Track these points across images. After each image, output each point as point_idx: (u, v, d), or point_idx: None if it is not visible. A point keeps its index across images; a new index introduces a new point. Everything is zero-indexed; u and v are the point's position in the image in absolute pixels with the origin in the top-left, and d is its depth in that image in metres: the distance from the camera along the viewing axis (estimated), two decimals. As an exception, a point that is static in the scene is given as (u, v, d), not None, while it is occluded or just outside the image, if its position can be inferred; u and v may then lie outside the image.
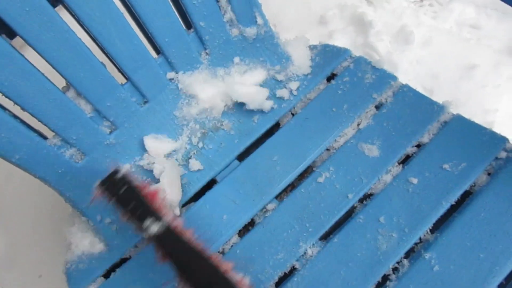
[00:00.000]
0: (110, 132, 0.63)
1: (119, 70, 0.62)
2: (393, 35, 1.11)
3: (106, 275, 0.61)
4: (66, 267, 0.63)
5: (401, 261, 0.52)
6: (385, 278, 0.51)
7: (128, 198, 0.51)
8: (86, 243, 0.64)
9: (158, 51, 0.63)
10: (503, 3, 0.62)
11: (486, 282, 0.47)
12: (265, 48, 0.69)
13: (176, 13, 0.61)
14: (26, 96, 0.54)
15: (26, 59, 0.53)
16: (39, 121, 0.56)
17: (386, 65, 0.69)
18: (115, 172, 0.53)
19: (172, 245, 0.48)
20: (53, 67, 0.55)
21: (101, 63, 0.59)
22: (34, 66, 0.54)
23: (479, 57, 1.08)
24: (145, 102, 0.64)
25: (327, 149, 0.63)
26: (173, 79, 0.65)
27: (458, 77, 1.07)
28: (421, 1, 1.21)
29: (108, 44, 0.58)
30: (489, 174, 0.54)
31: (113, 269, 0.61)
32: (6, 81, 0.51)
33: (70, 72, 0.56)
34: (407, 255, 0.52)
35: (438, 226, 0.53)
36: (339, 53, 0.71)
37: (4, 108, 0.54)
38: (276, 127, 0.67)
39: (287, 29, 1.20)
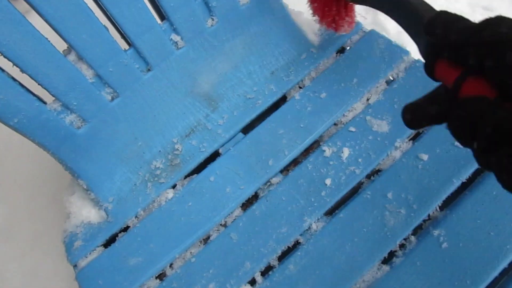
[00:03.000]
0: (112, 99, 0.61)
1: (122, 36, 0.59)
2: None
3: (106, 245, 0.60)
4: (64, 236, 0.62)
5: (408, 237, 0.51)
6: (392, 254, 0.50)
7: None
8: (85, 212, 0.63)
9: (163, 17, 0.61)
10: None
11: (496, 260, 0.46)
12: (275, 18, 0.67)
13: (183, -24, 0.59)
14: (26, 57, 0.51)
15: (26, 18, 0.50)
16: (38, 84, 0.54)
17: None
18: None
19: None
20: (53, 28, 0.53)
21: (104, 26, 0.56)
22: (34, 27, 0.51)
23: (491, 39, 1.06)
24: (148, 70, 0.62)
25: (335, 124, 0.61)
26: (178, 45, 0.62)
27: (468, 59, 1.04)
28: (433, -20, 1.17)
29: (112, 6, 0.55)
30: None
31: (113, 239, 0.60)
32: (6, 40, 0.49)
33: (71, 33, 0.54)
34: (415, 231, 0.51)
35: (448, 203, 0.51)
36: (350, 26, 0.68)
37: (3, 70, 0.52)
38: (282, 100, 0.65)
39: (294, 4, 1.16)
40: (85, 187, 0.62)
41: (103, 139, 0.62)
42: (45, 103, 0.56)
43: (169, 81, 0.64)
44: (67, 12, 0.52)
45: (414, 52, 0.65)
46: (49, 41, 0.53)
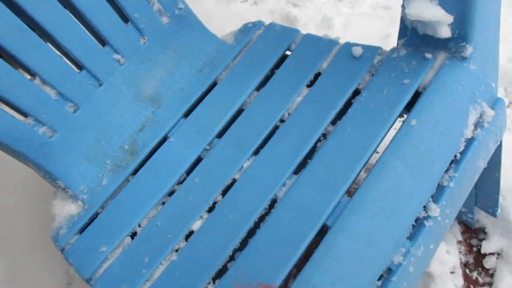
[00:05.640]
0: (74, 111, 0.76)
1: (75, 61, 0.77)
2: (317, 24, 1.30)
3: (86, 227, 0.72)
4: (52, 234, 0.74)
5: (315, 147, 0.64)
6: (300, 167, 0.63)
7: None
8: (67, 209, 0.75)
9: (104, 42, 0.79)
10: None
11: (379, 136, 0.59)
12: (193, 30, 0.86)
13: (113, 9, 0.78)
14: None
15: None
16: (12, 106, 0.70)
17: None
18: None
19: None
20: (20, 62, 0.70)
21: (59, 55, 0.74)
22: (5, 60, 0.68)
23: (392, 28, 1.27)
24: (100, 85, 0.79)
25: (256, 90, 0.77)
26: (120, 62, 0.80)
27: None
28: (339, -4, 1.41)
29: (63, 40, 0.73)
30: (372, 75, 0.68)
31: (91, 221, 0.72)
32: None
33: (35, 64, 0.71)
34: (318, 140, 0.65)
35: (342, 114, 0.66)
36: (254, 25, 0.87)
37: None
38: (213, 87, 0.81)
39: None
40: (63, 186, 0.75)
41: (72, 144, 0.76)
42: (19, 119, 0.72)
43: (118, 91, 0.80)
44: (29, 48, 0.70)
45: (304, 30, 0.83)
46: (18, 71, 0.70)
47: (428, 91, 0.60)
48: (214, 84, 0.82)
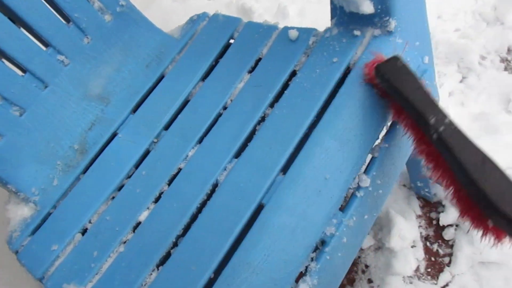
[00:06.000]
0: (21, 115, 0.76)
1: (17, 64, 0.77)
2: (273, 14, 1.31)
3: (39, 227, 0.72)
4: (6, 238, 0.74)
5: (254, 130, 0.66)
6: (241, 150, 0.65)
7: (412, 89, 0.48)
8: (20, 212, 0.75)
9: (46, 44, 0.79)
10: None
11: (311, 114, 0.61)
12: (139, 27, 0.86)
13: (53, 10, 0.78)
14: None
15: None
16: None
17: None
18: (396, 59, 0.52)
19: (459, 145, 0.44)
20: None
21: (0, 60, 0.74)
22: None
23: (347, 12, 1.28)
24: (46, 87, 0.79)
25: (202, 80, 0.78)
26: (64, 63, 0.80)
27: (333, 32, 1.25)
28: (294, -14, 1.42)
29: (3, 44, 0.73)
30: (308, 56, 0.70)
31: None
32: None
33: (-27, 69, 0.71)
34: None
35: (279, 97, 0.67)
36: (199, 17, 0.88)
37: None
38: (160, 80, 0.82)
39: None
40: (14, 190, 0.75)
41: (20, 148, 0.76)
42: (-35, 128, 0.72)
43: (64, 92, 0.80)
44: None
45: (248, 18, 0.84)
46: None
47: (356, 67, 0.62)
48: (161, 78, 0.82)
